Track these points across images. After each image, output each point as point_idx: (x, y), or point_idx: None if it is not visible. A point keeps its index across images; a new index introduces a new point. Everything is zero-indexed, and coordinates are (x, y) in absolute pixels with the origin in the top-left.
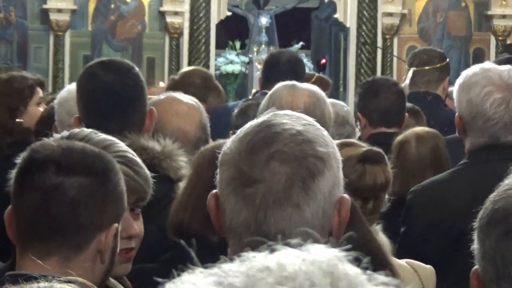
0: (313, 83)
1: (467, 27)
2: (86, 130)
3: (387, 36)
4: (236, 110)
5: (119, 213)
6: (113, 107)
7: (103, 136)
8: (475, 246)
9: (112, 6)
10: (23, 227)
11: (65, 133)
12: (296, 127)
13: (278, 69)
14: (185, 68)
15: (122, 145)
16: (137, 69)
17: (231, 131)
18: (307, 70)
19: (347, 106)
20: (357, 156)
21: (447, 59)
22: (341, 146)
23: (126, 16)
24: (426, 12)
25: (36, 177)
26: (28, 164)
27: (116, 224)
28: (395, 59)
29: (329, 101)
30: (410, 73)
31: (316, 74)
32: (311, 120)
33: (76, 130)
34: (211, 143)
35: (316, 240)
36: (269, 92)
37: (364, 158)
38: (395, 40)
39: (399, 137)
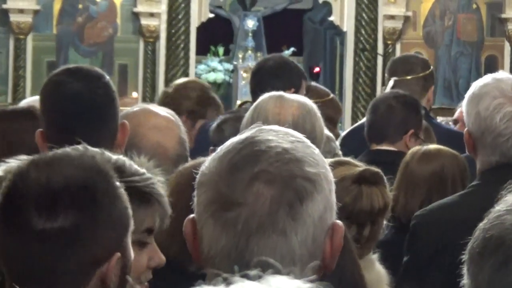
0: (324, 103)
1: (478, 32)
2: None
3: (389, 42)
4: (213, 125)
5: (119, 238)
6: (80, 120)
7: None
8: (465, 281)
9: (80, 6)
10: (11, 268)
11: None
12: (283, 145)
13: (260, 77)
14: (180, 79)
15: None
16: (107, 77)
17: (211, 148)
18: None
19: (342, 118)
20: (352, 176)
21: (431, 67)
22: (334, 165)
23: (95, 17)
24: (433, 14)
25: (16, 221)
26: (6, 205)
27: (118, 254)
28: None
29: None
30: (390, 83)
31: (332, 95)
32: (300, 136)
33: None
34: (191, 162)
35: (278, 271)
36: (254, 104)
37: (360, 179)
38: (398, 46)
39: (405, 157)
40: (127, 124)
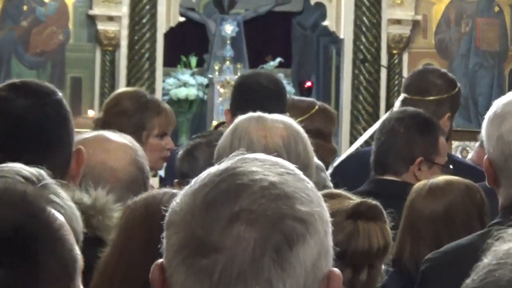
0: (314, 116)
1: (501, 40)
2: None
3: (394, 51)
4: (180, 152)
5: None
6: (25, 145)
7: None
8: None
9: (25, 8)
10: None
11: None
12: (270, 178)
13: (247, 97)
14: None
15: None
16: (60, 94)
17: (176, 180)
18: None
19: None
20: (346, 211)
21: (457, 88)
22: (324, 199)
23: (43, 21)
24: (447, 19)
25: None
26: None
27: None
28: None
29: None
30: (398, 99)
31: (318, 103)
32: (290, 167)
33: None
34: (143, 194)
35: None
36: (230, 127)
37: (356, 213)
38: (405, 56)
39: (410, 193)
40: (82, 150)
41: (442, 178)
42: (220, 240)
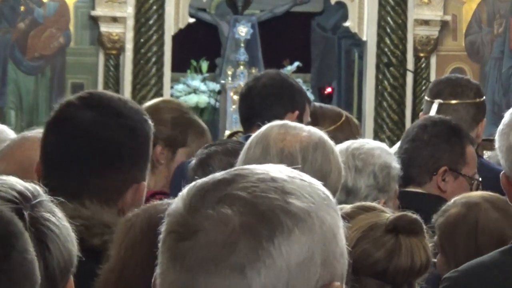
0: (343, 126)
1: None
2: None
3: (421, 54)
4: (194, 161)
5: None
6: (87, 160)
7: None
8: None
9: (22, 8)
10: None
11: None
12: (273, 174)
13: (251, 100)
14: (148, 102)
15: None
16: (136, 105)
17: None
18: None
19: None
20: (385, 225)
21: (484, 97)
22: (358, 211)
23: (42, 23)
24: (478, 19)
25: None
26: None
27: None
28: None
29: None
30: (434, 107)
31: (345, 114)
32: (308, 178)
33: None
34: (144, 206)
35: None
36: (255, 137)
37: (396, 228)
38: (433, 60)
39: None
40: (144, 186)
41: (476, 193)
42: (201, 222)
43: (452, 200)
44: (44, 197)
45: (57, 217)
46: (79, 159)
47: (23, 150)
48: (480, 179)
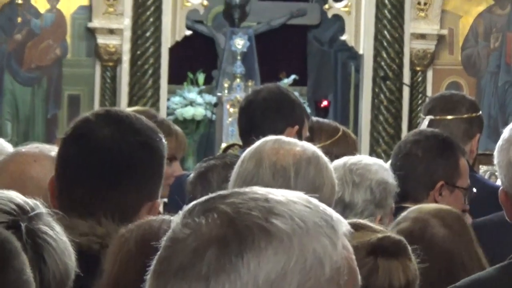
0: (339, 140)
1: None
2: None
3: (418, 68)
4: (192, 174)
5: None
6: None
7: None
8: None
9: (19, 19)
10: None
11: None
12: (269, 195)
13: (252, 113)
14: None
15: None
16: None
17: (185, 206)
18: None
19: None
20: (367, 246)
21: (480, 111)
22: None
23: (39, 34)
24: (475, 33)
25: None
26: None
27: None
28: None
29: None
30: (425, 123)
31: (342, 129)
32: (317, 205)
33: None
34: (138, 221)
35: None
36: (249, 150)
37: (377, 249)
38: (429, 74)
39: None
40: (158, 204)
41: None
42: (181, 230)
43: (406, 212)
44: (43, 210)
45: (54, 231)
46: (95, 176)
47: (18, 164)
48: (475, 190)
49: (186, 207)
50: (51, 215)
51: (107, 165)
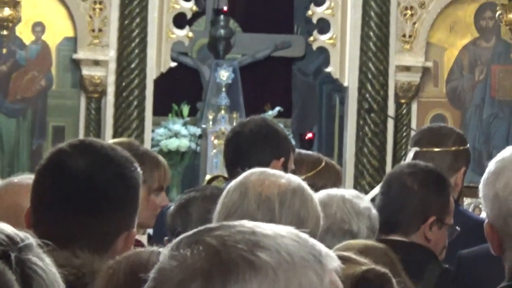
0: (321, 172)
1: None
2: None
3: (403, 100)
4: (172, 207)
5: None
6: (77, 206)
7: None
8: None
9: (4, 50)
10: None
11: None
12: (257, 229)
13: (238, 146)
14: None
15: None
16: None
17: (166, 238)
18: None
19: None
20: (352, 278)
21: (467, 145)
22: None
23: (24, 65)
24: (460, 65)
25: None
26: None
27: None
28: (413, 134)
29: (334, 196)
30: (410, 155)
31: (325, 159)
32: (306, 239)
33: None
34: (126, 253)
35: None
36: (234, 182)
37: (361, 282)
38: (414, 106)
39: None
40: (134, 234)
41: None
42: (167, 261)
43: (334, 249)
44: (33, 241)
45: (44, 262)
46: (70, 207)
47: (10, 195)
48: (458, 228)
49: (175, 240)
50: (41, 246)
51: (82, 196)
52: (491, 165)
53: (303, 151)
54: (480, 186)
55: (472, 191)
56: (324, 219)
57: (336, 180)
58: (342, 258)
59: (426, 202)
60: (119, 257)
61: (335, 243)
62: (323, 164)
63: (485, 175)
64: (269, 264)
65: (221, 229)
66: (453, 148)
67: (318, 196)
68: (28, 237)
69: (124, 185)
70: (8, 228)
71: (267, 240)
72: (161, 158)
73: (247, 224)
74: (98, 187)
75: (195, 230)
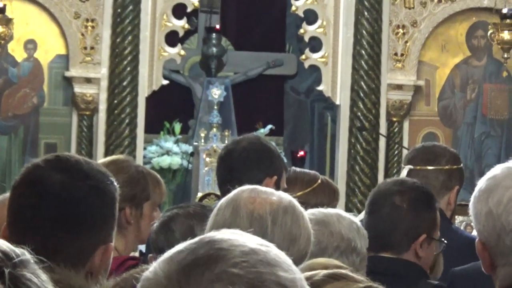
0: (316, 190)
1: (510, 107)
2: None
3: (394, 118)
4: (156, 224)
5: None
6: (52, 223)
7: None
8: None
9: None
10: None
11: None
12: (249, 244)
13: (231, 164)
14: (99, 161)
15: None
16: (101, 167)
17: (150, 255)
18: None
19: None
20: None
21: (461, 164)
22: (328, 280)
23: (15, 82)
24: (451, 84)
25: None
26: None
27: None
28: (405, 152)
29: (330, 214)
30: (404, 173)
31: (321, 177)
32: (270, 244)
33: None
34: (124, 275)
35: None
36: (225, 199)
37: None
38: (406, 124)
39: None
40: (111, 248)
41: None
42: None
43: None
44: (29, 258)
45: (39, 279)
46: (47, 223)
47: (5, 210)
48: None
49: (165, 268)
50: (37, 263)
51: (57, 211)
52: (482, 183)
53: (299, 169)
54: (471, 204)
55: (463, 209)
56: (328, 237)
57: (331, 199)
58: (340, 276)
59: (417, 221)
60: (126, 274)
61: (345, 261)
62: (318, 182)
63: (475, 193)
64: (290, 279)
65: (224, 255)
66: (447, 167)
67: (314, 214)
68: (24, 253)
69: (100, 199)
70: (4, 244)
71: (266, 254)
72: (158, 175)
73: (224, 237)
74: (73, 202)
75: (192, 260)
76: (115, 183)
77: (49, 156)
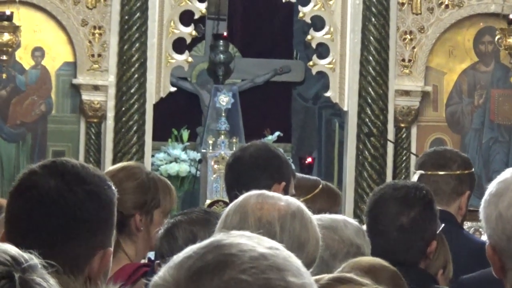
0: (317, 196)
1: None
2: None
3: (402, 124)
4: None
5: None
6: (47, 228)
7: None
8: None
9: (4, 76)
10: None
11: None
12: (259, 249)
13: (239, 171)
14: (110, 167)
15: None
16: (98, 172)
17: (156, 262)
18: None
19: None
20: None
21: (472, 169)
22: (334, 283)
23: (23, 90)
24: (459, 90)
25: None
26: None
27: None
28: (413, 158)
29: (337, 220)
30: (415, 177)
31: (323, 183)
32: (278, 245)
33: None
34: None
35: None
36: (233, 205)
37: None
38: (414, 130)
39: None
40: (110, 252)
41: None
42: None
43: (341, 267)
44: (38, 263)
45: (48, 283)
46: (44, 228)
47: None
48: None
49: (174, 274)
50: (45, 267)
51: (54, 217)
52: (492, 187)
53: (301, 175)
54: (481, 208)
55: (472, 215)
56: (339, 243)
57: (332, 204)
58: (345, 279)
59: (428, 236)
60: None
61: None
62: (319, 188)
63: (485, 197)
64: (299, 284)
65: (233, 261)
66: (458, 172)
67: (321, 220)
68: (32, 258)
69: (97, 204)
70: (13, 249)
71: (276, 259)
72: (168, 182)
73: (233, 242)
74: (69, 207)
75: (202, 267)
76: (113, 188)
77: (46, 162)
